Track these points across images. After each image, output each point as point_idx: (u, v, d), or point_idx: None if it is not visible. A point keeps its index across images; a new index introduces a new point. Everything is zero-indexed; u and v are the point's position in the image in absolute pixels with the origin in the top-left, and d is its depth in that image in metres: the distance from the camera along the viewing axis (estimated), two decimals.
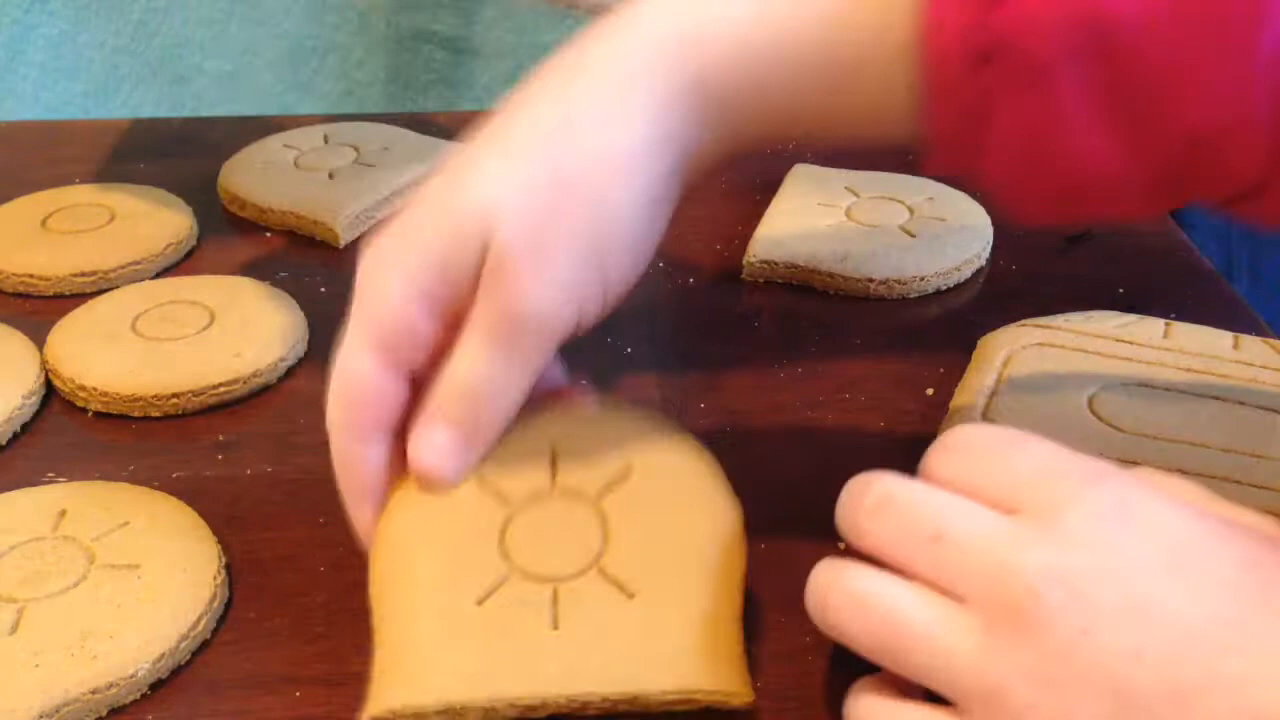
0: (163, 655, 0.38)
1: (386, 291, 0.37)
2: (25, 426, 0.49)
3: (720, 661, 0.35)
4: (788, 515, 0.44)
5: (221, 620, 0.40)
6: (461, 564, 0.37)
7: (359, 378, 0.37)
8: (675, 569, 0.37)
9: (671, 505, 0.39)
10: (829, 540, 0.43)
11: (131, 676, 0.37)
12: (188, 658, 0.39)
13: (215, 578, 0.40)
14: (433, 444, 0.37)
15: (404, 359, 0.37)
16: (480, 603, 0.36)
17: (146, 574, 0.40)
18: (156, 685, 0.38)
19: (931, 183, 0.64)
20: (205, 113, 1.24)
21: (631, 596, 0.36)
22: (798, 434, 0.48)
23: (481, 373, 0.37)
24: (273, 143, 0.68)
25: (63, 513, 0.42)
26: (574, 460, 0.39)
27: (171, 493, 0.44)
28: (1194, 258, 0.61)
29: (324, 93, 1.27)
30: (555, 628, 0.35)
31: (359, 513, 0.38)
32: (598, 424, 0.41)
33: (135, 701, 0.37)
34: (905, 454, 0.47)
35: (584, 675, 0.34)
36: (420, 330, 0.37)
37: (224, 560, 0.41)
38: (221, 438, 0.48)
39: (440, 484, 0.38)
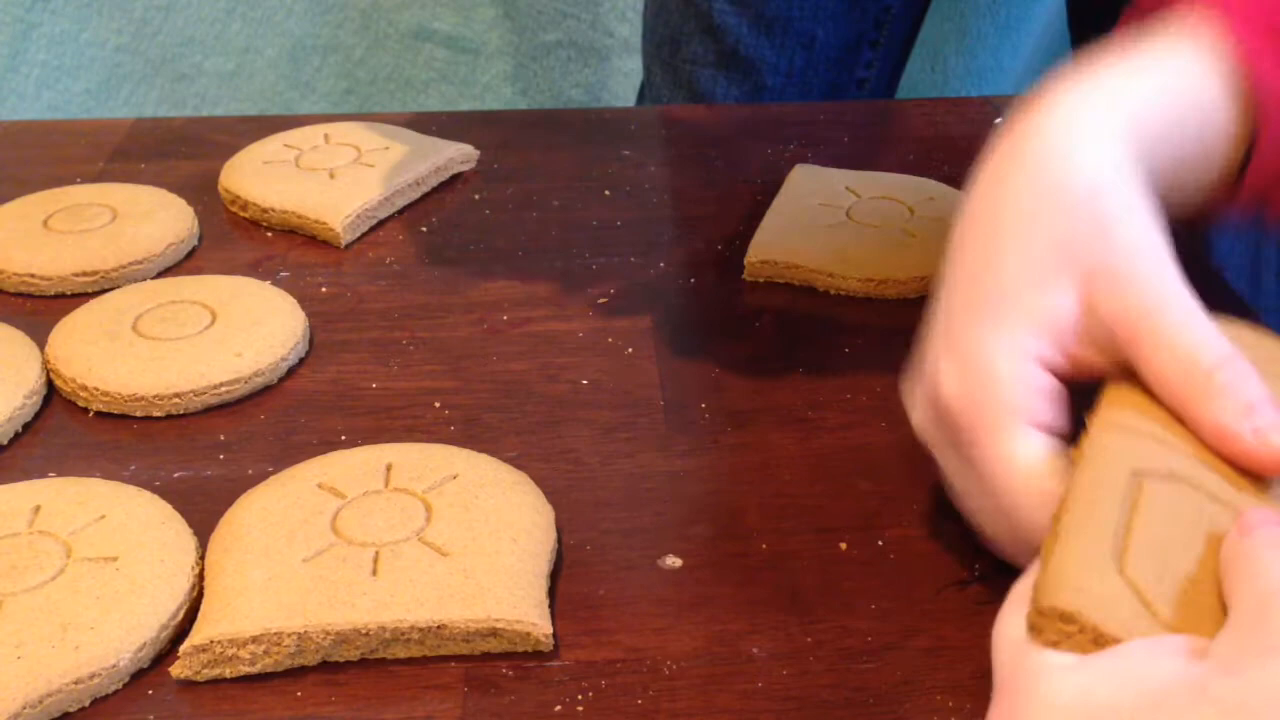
0: (144, 645, 0.38)
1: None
2: (26, 426, 0.49)
3: (521, 603, 0.39)
4: (788, 516, 0.44)
5: None
6: (293, 535, 0.41)
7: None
8: (489, 540, 0.41)
9: (490, 499, 0.43)
10: (830, 541, 0.43)
11: (113, 666, 0.38)
12: (168, 647, 0.39)
13: (194, 568, 0.41)
14: None
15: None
16: (307, 561, 0.40)
17: (125, 566, 0.40)
18: (138, 675, 0.38)
19: (932, 183, 0.64)
20: (207, 111, 1.25)
21: (446, 556, 0.40)
22: (799, 434, 0.48)
23: None
24: (273, 142, 0.68)
25: (37, 508, 0.42)
26: (407, 470, 0.44)
27: (173, 493, 0.44)
28: (1195, 255, 0.61)
29: (325, 91, 1.27)
30: (374, 575, 0.39)
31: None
32: (431, 449, 0.46)
33: (138, 701, 0.38)
34: (907, 456, 0.47)
35: (395, 607, 0.38)
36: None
37: (200, 551, 0.42)
38: (223, 437, 0.48)
39: None
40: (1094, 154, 0.38)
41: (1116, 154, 0.38)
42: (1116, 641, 0.28)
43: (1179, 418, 0.35)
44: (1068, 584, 0.29)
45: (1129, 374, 0.37)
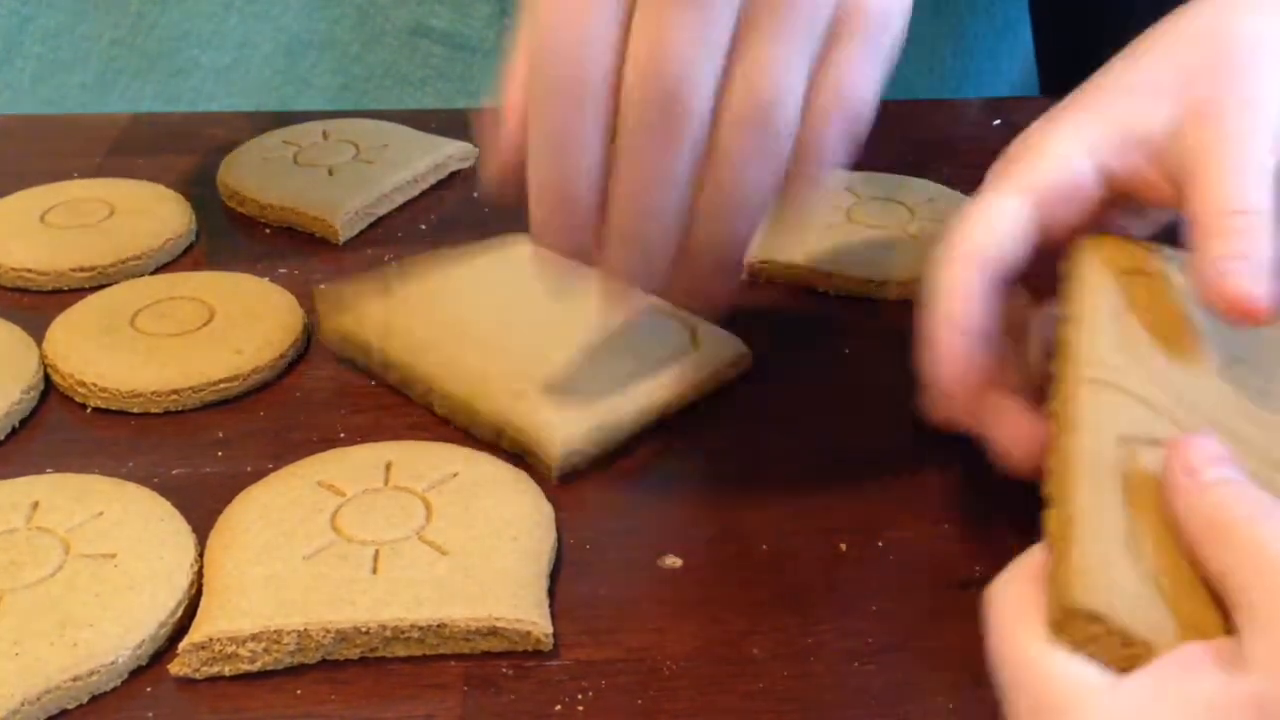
0: (142, 642, 0.38)
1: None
2: (24, 422, 0.49)
3: (521, 602, 0.39)
4: (788, 516, 0.44)
5: None
6: (293, 533, 0.41)
7: (1004, 213, 0.38)
8: (489, 538, 0.41)
9: (490, 497, 0.43)
10: (830, 541, 0.43)
11: (112, 664, 0.37)
12: (167, 644, 0.39)
13: (192, 565, 0.41)
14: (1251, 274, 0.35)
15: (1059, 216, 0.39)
16: (307, 559, 0.40)
17: (123, 562, 0.40)
18: (137, 672, 0.38)
19: (932, 184, 0.64)
20: (203, 105, 1.24)
21: (446, 554, 0.40)
22: (799, 435, 0.48)
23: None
24: (272, 139, 0.68)
25: (35, 504, 0.42)
26: (407, 468, 0.44)
27: (172, 489, 0.44)
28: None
29: (321, 87, 1.27)
30: (374, 573, 0.39)
31: (950, 338, 0.38)
32: (431, 448, 0.46)
33: (136, 699, 0.38)
34: (907, 457, 0.47)
35: (395, 605, 0.38)
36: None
37: (199, 548, 0.42)
38: (221, 434, 0.48)
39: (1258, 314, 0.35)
40: (1260, 25, 0.39)
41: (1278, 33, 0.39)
42: (1145, 644, 0.28)
43: (1195, 255, 0.36)
44: (1098, 582, 0.29)
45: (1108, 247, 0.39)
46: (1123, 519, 0.31)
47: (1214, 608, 0.29)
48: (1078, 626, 0.29)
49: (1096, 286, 0.39)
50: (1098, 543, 0.30)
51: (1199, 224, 0.37)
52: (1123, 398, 0.35)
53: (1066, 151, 0.39)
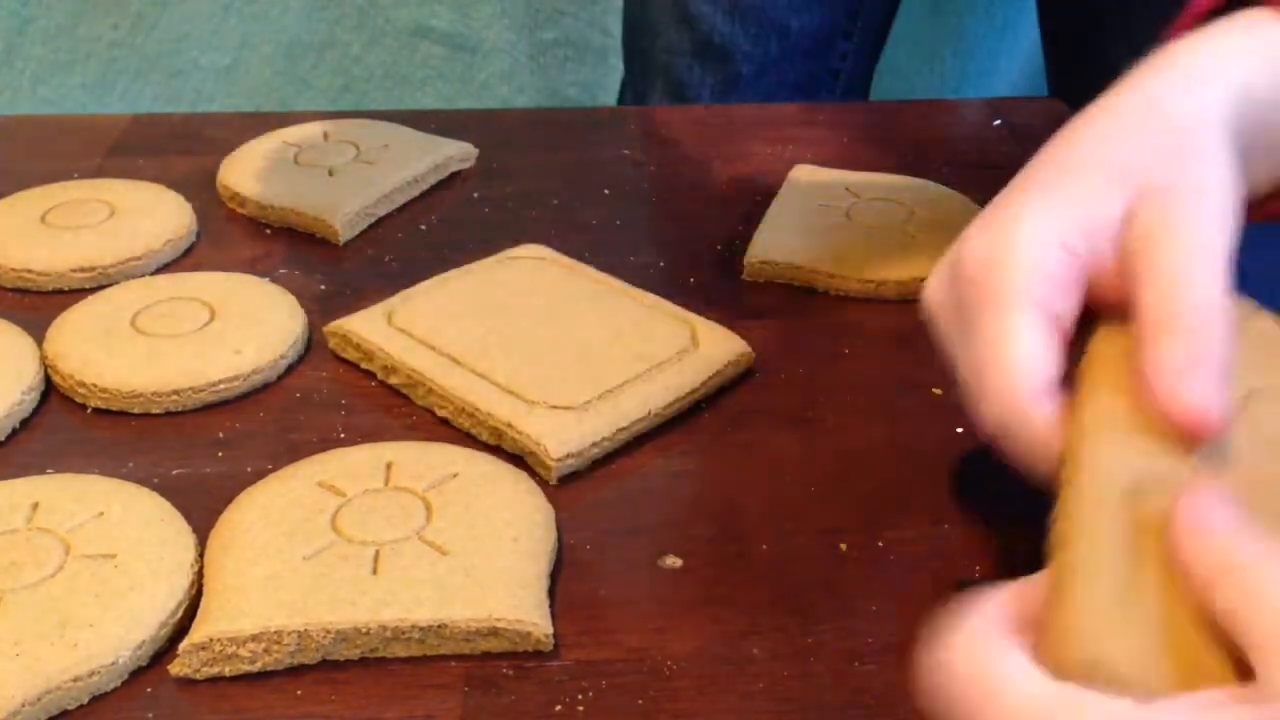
0: (143, 643, 0.38)
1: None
2: (24, 422, 0.49)
3: (522, 602, 0.39)
4: (788, 516, 0.44)
5: None
6: (293, 534, 0.41)
7: (1024, 341, 0.36)
8: (489, 539, 0.41)
9: (490, 497, 0.43)
10: (830, 541, 0.43)
11: (112, 664, 0.37)
12: (167, 645, 0.39)
13: (193, 565, 0.41)
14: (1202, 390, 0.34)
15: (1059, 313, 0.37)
16: (307, 559, 0.40)
17: (124, 563, 0.40)
18: (137, 673, 0.38)
19: (931, 184, 0.64)
20: (202, 107, 1.24)
21: (446, 555, 0.40)
22: (799, 435, 0.48)
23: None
24: (272, 139, 0.68)
25: (35, 505, 0.42)
26: (407, 469, 0.44)
27: (172, 490, 0.44)
28: None
29: (322, 88, 1.27)
30: (374, 574, 0.39)
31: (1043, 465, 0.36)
32: (431, 448, 0.46)
33: (136, 699, 0.38)
34: (906, 457, 0.47)
35: (396, 606, 0.38)
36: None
37: (199, 548, 0.42)
38: (222, 435, 0.48)
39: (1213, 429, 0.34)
40: (1202, 100, 0.38)
41: (1224, 109, 0.38)
42: (1144, 692, 0.28)
43: (1139, 351, 0.35)
44: (1094, 632, 0.29)
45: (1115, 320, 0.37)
46: (1124, 566, 0.30)
47: (1216, 655, 0.29)
48: (1076, 677, 0.28)
49: (1115, 328, 0.38)
50: (1096, 593, 0.30)
51: (1148, 313, 0.35)
52: (1136, 439, 0.34)
53: (1040, 253, 0.37)
